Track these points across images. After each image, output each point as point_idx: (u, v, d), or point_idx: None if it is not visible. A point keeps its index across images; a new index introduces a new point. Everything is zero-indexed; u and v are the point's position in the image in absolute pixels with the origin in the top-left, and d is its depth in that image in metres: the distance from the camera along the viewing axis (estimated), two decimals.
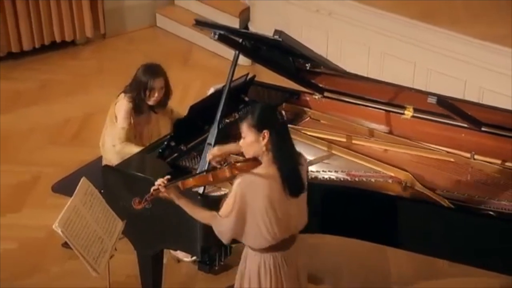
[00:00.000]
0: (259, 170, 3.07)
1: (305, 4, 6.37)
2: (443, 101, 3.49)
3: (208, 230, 3.31)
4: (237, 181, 3.06)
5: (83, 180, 3.41)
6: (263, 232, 3.10)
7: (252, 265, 3.23)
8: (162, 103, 4.35)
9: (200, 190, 3.53)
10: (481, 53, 5.37)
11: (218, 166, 3.21)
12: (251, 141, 3.07)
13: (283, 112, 3.14)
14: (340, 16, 6.15)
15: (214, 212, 3.15)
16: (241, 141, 3.13)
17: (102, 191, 3.69)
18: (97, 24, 7.30)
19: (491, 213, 3.50)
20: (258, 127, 3.04)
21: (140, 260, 3.91)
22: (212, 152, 3.49)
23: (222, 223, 3.12)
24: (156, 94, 4.26)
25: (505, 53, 5.25)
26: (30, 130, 5.90)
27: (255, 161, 3.09)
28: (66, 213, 3.20)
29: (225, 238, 3.17)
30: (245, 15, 6.95)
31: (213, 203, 3.32)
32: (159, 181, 3.19)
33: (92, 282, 4.05)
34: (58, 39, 7.11)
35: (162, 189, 3.17)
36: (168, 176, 3.22)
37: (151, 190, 3.20)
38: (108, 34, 7.44)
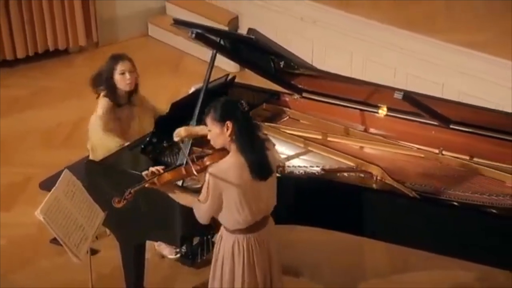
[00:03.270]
0: (227, 158, 3.26)
1: (291, 12, 6.57)
2: (409, 96, 3.66)
3: (187, 219, 3.48)
4: (208, 171, 3.25)
5: (65, 171, 3.58)
6: (235, 216, 3.30)
7: (226, 245, 3.41)
8: (135, 89, 4.46)
9: (179, 183, 3.69)
10: (459, 58, 5.56)
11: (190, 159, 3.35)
12: (216, 133, 3.27)
13: (244, 103, 3.29)
14: (324, 24, 6.36)
15: (195, 198, 3.35)
16: (209, 134, 3.32)
17: (85, 186, 3.84)
18: (90, 33, 7.48)
19: (455, 203, 3.66)
20: (221, 120, 3.23)
21: (123, 252, 4.06)
22: (178, 133, 3.69)
23: (201, 208, 3.32)
24: (128, 77, 4.34)
25: (481, 58, 5.45)
26: (24, 134, 6.07)
27: (223, 151, 3.28)
28: (48, 202, 3.37)
29: (203, 221, 3.36)
30: (234, 24, 7.14)
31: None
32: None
33: (79, 276, 4.23)
34: (51, 47, 7.29)
35: (140, 186, 3.32)
36: (146, 171, 3.37)
37: (129, 188, 3.32)
38: (101, 43, 7.62)
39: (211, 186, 3.24)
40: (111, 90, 4.39)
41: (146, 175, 3.37)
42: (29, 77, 7.03)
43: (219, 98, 3.38)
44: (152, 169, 3.38)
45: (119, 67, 4.35)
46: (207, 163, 3.28)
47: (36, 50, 7.24)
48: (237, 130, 3.23)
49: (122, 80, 4.36)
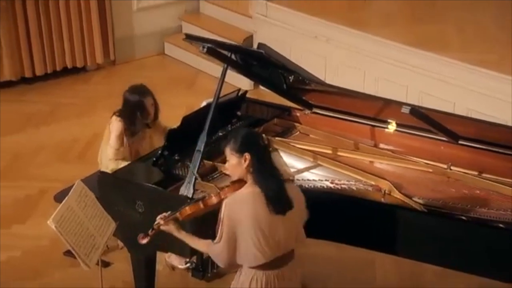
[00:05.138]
0: (243, 189, 3.25)
1: (305, 31, 6.65)
2: (416, 111, 3.70)
3: (197, 231, 3.52)
4: (223, 204, 3.24)
5: (78, 182, 3.66)
6: (253, 249, 3.23)
7: (245, 280, 3.34)
8: (155, 117, 4.61)
9: (190, 194, 3.76)
10: (470, 76, 5.60)
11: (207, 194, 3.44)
12: (233, 165, 3.27)
13: (265, 137, 3.34)
14: (337, 42, 6.44)
15: (209, 240, 3.32)
16: (226, 164, 3.33)
17: (97, 197, 3.91)
18: (107, 51, 7.61)
19: (463, 218, 3.69)
20: (239, 151, 3.23)
21: (134, 264, 4.11)
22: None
23: (215, 248, 3.28)
24: (151, 111, 4.53)
25: (493, 77, 5.48)
26: (40, 149, 6.18)
27: (240, 182, 3.29)
28: (60, 211, 3.44)
29: (221, 262, 3.32)
30: (248, 42, 7.22)
31: None
32: (160, 216, 3.39)
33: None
34: (69, 65, 7.42)
35: (162, 222, 3.37)
36: (166, 213, 3.42)
37: (154, 225, 3.39)
38: (118, 61, 7.75)
39: (226, 219, 3.20)
40: (132, 122, 4.51)
41: (156, 224, 3.39)
42: (47, 94, 7.16)
43: (241, 128, 3.38)
44: (159, 217, 3.41)
45: (146, 103, 4.49)
46: (225, 195, 3.30)
47: (54, 67, 7.37)
48: (255, 162, 3.21)
49: (147, 114, 4.54)
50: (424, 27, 6.45)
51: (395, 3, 7.17)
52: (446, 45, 6.06)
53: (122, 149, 4.51)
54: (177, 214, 3.38)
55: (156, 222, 3.40)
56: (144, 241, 3.40)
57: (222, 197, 3.30)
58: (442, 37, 6.26)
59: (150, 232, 3.39)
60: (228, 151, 3.28)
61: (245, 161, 3.23)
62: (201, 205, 3.37)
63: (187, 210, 3.38)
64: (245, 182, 3.28)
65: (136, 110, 4.49)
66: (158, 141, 4.63)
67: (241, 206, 3.20)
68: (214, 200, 3.34)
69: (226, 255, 3.25)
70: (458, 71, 5.65)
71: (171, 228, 3.39)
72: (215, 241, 3.27)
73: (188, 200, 3.72)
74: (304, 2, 7.04)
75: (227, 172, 3.38)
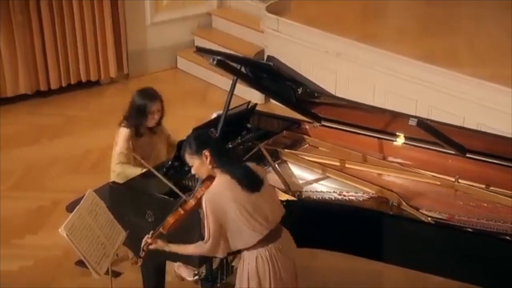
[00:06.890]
0: (216, 181, 3.44)
1: (315, 45, 6.71)
2: (423, 123, 3.74)
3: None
4: (203, 200, 3.40)
5: (89, 192, 3.72)
6: (247, 230, 3.41)
7: (250, 262, 3.51)
8: (159, 122, 4.63)
9: None
10: (480, 91, 5.62)
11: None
12: (197, 166, 3.47)
13: (214, 131, 3.56)
14: (347, 56, 6.49)
15: (199, 242, 3.49)
16: (192, 169, 3.52)
17: (108, 206, 3.97)
18: (121, 65, 7.71)
19: (469, 230, 3.71)
20: (197, 152, 3.44)
21: (144, 274, 4.16)
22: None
23: (207, 246, 3.45)
24: (155, 117, 4.54)
25: (503, 92, 5.49)
26: (53, 161, 6.26)
27: (210, 179, 3.47)
28: (71, 219, 3.50)
29: (218, 255, 3.51)
30: (260, 57, 7.28)
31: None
32: (147, 236, 3.57)
33: None
34: (84, 78, 7.52)
35: (149, 241, 3.54)
36: (150, 233, 3.58)
37: (142, 247, 3.56)
38: (131, 75, 7.84)
39: (209, 214, 3.37)
40: (138, 125, 4.53)
41: (143, 246, 3.56)
42: (61, 107, 7.26)
43: (189, 134, 3.60)
44: (144, 239, 3.57)
45: (152, 108, 4.50)
46: (200, 194, 3.45)
47: (69, 81, 7.47)
48: (215, 155, 3.42)
49: (151, 119, 4.54)
50: (435, 41, 6.49)
51: (406, 17, 7.24)
52: (457, 60, 6.09)
53: (127, 152, 4.54)
54: (161, 229, 3.52)
55: (143, 243, 3.56)
56: (139, 264, 3.62)
57: (199, 196, 3.47)
58: (453, 51, 6.30)
59: (141, 254, 3.57)
60: (188, 157, 3.49)
61: (206, 158, 3.42)
62: (181, 211, 3.52)
63: (170, 220, 3.52)
64: (214, 178, 3.46)
65: (142, 113, 4.50)
66: (162, 148, 4.69)
67: (220, 196, 3.39)
68: (192, 202, 3.51)
69: (221, 246, 3.44)
70: (468, 85, 5.67)
71: (159, 245, 3.57)
72: (204, 240, 3.43)
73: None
74: (315, 17, 7.13)
75: (197, 176, 3.58)
